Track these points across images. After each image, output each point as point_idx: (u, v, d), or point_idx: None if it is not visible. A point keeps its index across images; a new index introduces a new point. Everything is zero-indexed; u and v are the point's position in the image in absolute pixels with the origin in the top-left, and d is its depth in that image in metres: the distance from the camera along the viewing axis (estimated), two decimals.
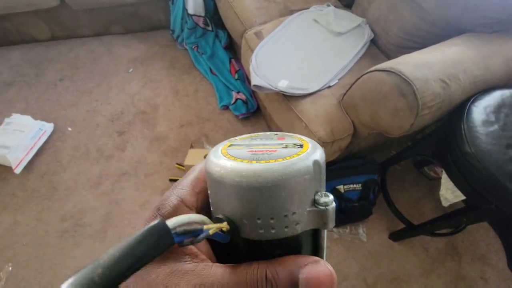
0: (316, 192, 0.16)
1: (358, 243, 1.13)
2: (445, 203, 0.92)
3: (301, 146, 0.17)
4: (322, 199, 0.15)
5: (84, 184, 1.23)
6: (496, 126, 0.77)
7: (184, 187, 0.18)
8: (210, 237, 0.15)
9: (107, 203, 1.18)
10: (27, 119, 1.31)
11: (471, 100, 0.82)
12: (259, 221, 0.15)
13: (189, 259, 0.15)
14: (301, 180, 0.15)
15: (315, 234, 0.17)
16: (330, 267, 0.14)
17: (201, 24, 1.57)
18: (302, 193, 0.15)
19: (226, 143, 0.19)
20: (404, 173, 1.31)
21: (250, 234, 0.15)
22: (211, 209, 0.17)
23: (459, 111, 0.81)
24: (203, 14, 1.54)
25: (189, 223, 0.14)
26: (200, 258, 0.16)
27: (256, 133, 0.21)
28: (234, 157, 0.16)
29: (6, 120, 1.30)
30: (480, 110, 0.80)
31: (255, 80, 0.98)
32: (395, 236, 1.14)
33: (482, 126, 0.77)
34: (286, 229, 0.15)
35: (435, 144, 0.92)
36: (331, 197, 0.16)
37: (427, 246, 1.14)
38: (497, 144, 0.74)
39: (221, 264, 0.15)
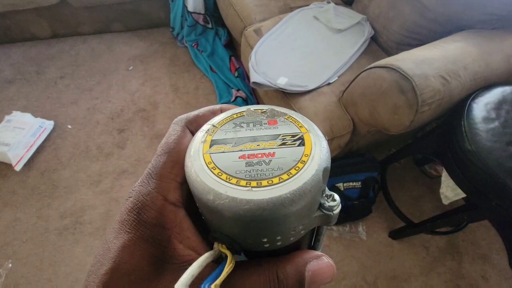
0: (322, 194, 0.15)
1: (357, 241, 1.13)
2: (445, 201, 0.92)
3: (301, 138, 0.15)
4: (328, 204, 0.15)
5: (84, 181, 1.23)
6: (496, 123, 0.76)
7: (164, 179, 0.15)
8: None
9: (107, 201, 1.18)
10: (27, 117, 1.32)
11: (472, 97, 0.81)
12: (264, 240, 0.14)
13: (182, 265, 0.14)
14: (310, 197, 0.13)
15: (317, 229, 0.17)
16: (330, 261, 0.15)
17: (201, 21, 1.57)
18: (310, 207, 0.14)
19: (205, 138, 0.16)
20: (404, 171, 1.30)
21: (255, 248, 0.15)
22: (207, 225, 0.15)
23: (459, 108, 0.81)
24: (203, 12, 1.53)
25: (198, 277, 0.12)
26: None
27: (239, 110, 0.18)
28: (226, 175, 0.13)
29: (7, 117, 1.30)
30: (481, 107, 0.79)
31: (254, 77, 0.98)
32: (395, 235, 1.13)
33: (482, 123, 0.76)
34: (292, 239, 0.15)
35: (435, 142, 0.91)
36: (338, 200, 0.15)
37: (427, 245, 1.13)
38: (498, 141, 0.73)
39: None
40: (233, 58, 1.54)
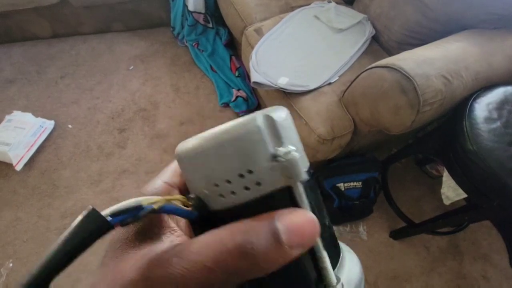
0: (276, 148, 0.14)
1: (358, 241, 1.12)
2: (446, 202, 0.91)
3: None
4: (281, 151, 0.14)
5: (84, 181, 1.23)
6: (498, 123, 0.76)
7: (167, 171, 0.18)
8: (174, 214, 0.15)
9: (108, 200, 1.18)
10: (28, 116, 1.32)
11: (473, 97, 0.81)
12: (217, 188, 0.15)
13: (168, 236, 0.15)
14: (247, 135, 0.14)
15: (290, 195, 0.15)
16: (312, 214, 0.13)
17: (201, 21, 1.57)
18: (253, 148, 0.14)
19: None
20: (405, 171, 1.30)
21: (215, 205, 0.15)
22: None
23: (461, 108, 0.80)
24: (203, 11, 1.53)
25: (125, 205, 0.14)
26: (178, 234, 0.15)
27: None
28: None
29: (7, 117, 1.30)
30: (482, 107, 0.79)
31: (255, 77, 0.98)
32: (396, 235, 1.13)
33: (484, 123, 0.76)
34: (247, 191, 0.14)
35: (436, 142, 0.91)
36: (293, 147, 0.14)
37: (428, 245, 1.13)
38: (500, 142, 0.73)
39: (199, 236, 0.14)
40: (233, 58, 1.54)
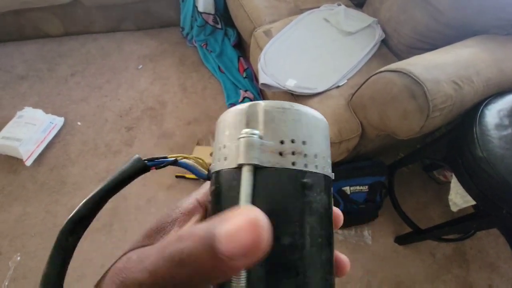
0: (244, 129, 0.15)
1: (363, 245, 1.12)
2: (454, 208, 0.90)
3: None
4: (244, 131, 0.15)
5: (92, 178, 1.25)
6: (509, 130, 0.75)
7: (204, 187, 0.19)
8: (187, 169, 0.19)
9: (114, 198, 1.16)
10: (39, 113, 1.34)
11: (484, 103, 0.80)
12: (214, 154, 0.17)
13: (164, 237, 0.16)
14: (231, 116, 0.16)
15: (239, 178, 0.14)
16: (257, 214, 0.11)
17: (210, 22, 1.58)
18: (234, 123, 0.16)
19: None
20: (412, 176, 1.29)
21: (211, 168, 0.17)
22: None
23: (471, 114, 0.80)
24: (213, 12, 1.54)
25: (156, 156, 0.19)
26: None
27: None
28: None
29: (19, 113, 1.33)
30: (493, 114, 0.78)
31: (263, 78, 0.98)
32: (401, 240, 1.12)
33: (495, 130, 0.75)
34: (219, 162, 0.16)
35: (445, 148, 0.90)
36: (256, 131, 0.14)
37: (433, 252, 1.12)
38: (511, 149, 0.72)
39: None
40: (241, 59, 1.55)
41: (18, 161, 1.26)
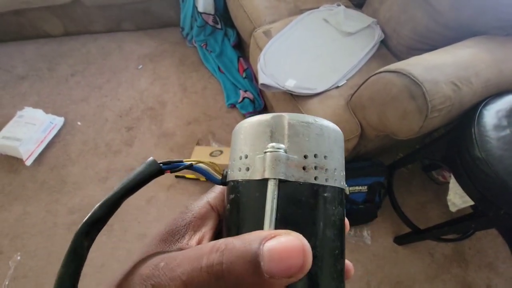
0: (271, 142, 0.15)
1: (362, 245, 1.12)
2: (452, 208, 0.91)
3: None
4: (270, 145, 0.15)
5: (92, 178, 1.25)
6: (508, 131, 0.75)
7: (215, 191, 0.19)
8: (202, 174, 0.18)
9: None
10: (39, 113, 1.34)
11: (483, 104, 0.80)
12: (230, 163, 0.17)
13: (180, 242, 0.16)
14: (260, 125, 0.16)
15: (263, 190, 0.15)
16: (303, 239, 0.12)
17: (210, 22, 1.58)
18: (257, 136, 0.16)
19: None
20: (411, 176, 1.29)
21: (229, 176, 0.17)
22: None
23: (470, 114, 0.80)
24: (212, 12, 1.54)
25: (172, 160, 0.18)
26: (189, 242, 0.16)
27: None
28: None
29: (19, 113, 1.33)
30: (492, 114, 0.78)
31: (262, 79, 0.98)
32: (400, 240, 1.12)
33: (493, 131, 0.75)
34: (239, 172, 0.16)
35: (444, 148, 0.90)
36: (282, 146, 0.15)
37: (432, 252, 1.12)
38: (509, 150, 0.72)
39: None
40: (241, 59, 1.55)
41: (18, 160, 1.26)
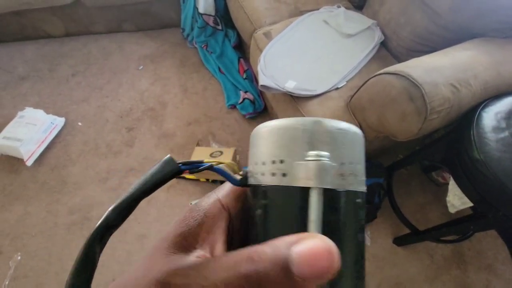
0: (311, 150, 0.15)
1: None
2: (452, 210, 0.91)
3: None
4: (312, 153, 0.14)
5: (92, 178, 1.25)
6: (507, 133, 0.76)
7: (225, 189, 0.19)
8: (222, 175, 0.17)
9: (114, 198, 1.19)
10: (39, 113, 1.35)
11: (482, 105, 0.80)
12: (255, 166, 0.16)
13: (197, 250, 0.15)
14: (294, 129, 0.15)
15: (304, 198, 0.15)
16: (329, 241, 0.12)
17: (211, 23, 1.58)
18: (292, 141, 0.15)
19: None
20: (410, 177, 1.29)
21: (251, 180, 0.17)
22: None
23: (469, 116, 0.80)
24: (213, 13, 1.55)
25: (192, 160, 0.18)
26: (205, 251, 0.16)
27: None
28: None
29: (20, 113, 1.34)
30: (491, 116, 0.78)
31: (262, 80, 0.99)
32: (400, 241, 1.13)
33: (492, 133, 0.76)
34: (272, 177, 0.15)
35: (444, 149, 0.90)
36: (326, 153, 0.14)
37: (432, 253, 1.13)
38: (507, 151, 0.73)
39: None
40: (242, 60, 1.55)
41: (19, 161, 1.26)
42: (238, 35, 1.58)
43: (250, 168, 0.17)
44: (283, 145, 0.16)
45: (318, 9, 1.22)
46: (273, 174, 0.15)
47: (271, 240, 0.13)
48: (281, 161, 0.15)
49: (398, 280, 1.06)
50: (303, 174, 0.14)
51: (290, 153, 0.15)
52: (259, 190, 0.16)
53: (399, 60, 1.08)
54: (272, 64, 1.03)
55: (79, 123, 1.41)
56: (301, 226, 0.14)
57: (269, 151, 0.16)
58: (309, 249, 0.12)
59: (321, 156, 0.14)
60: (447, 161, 0.87)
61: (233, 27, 1.55)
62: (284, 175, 0.15)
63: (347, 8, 1.23)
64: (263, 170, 0.16)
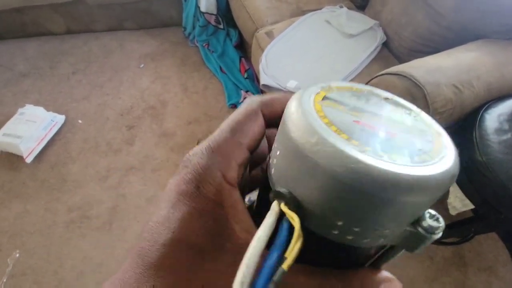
0: (424, 211, 0.12)
1: None
2: (453, 212, 0.91)
3: (431, 137, 0.13)
4: (428, 223, 0.11)
5: (92, 176, 1.25)
6: (509, 135, 0.75)
7: (225, 157, 0.14)
8: None
9: (114, 197, 1.19)
10: (40, 110, 1.34)
11: (484, 107, 0.80)
12: (339, 223, 0.11)
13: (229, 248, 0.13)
14: (427, 196, 0.11)
15: (388, 251, 0.13)
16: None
17: (212, 22, 1.58)
18: (416, 209, 0.11)
19: (318, 89, 0.14)
20: None
21: (318, 230, 0.12)
22: (270, 173, 0.13)
23: (471, 118, 0.80)
24: (215, 12, 1.54)
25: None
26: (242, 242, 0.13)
27: (357, 86, 0.15)
28: (337, 128, 0.11)
29: (20, 110, 1.33)
30: (493, 118, 0.78)
31: (264, 79, 0.98)
32: None
33: (494, 135, 0.75)
34: (365, 240, 0.12)
35: None
36: (442, 223, 0.12)
37: (432, 254, 1.12)
38: (510, 154, 0.72)
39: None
40: (243, 59, 1.55)
41: (19, 158, 1.26)
42: (240, 34, 1.58)
43: (313, 213, 0.12)
44: (399, 215, 0.12)
45: (320, 9, 1.22)
46: (367, 239, 0.12)
47: (357, 271, 0.13)
48: (386, 229, 0.12)
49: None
50: (408, 241, 0.13)
51: (402, 223, 0.12)
52: (338, 246, 0.12)
53: (401, 60, 1.07)
54: (273, 63, 1.03)
55: (79, 121, 1.41)
56: None
57: (375, 218, 0.12)
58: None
59: (440, 228, 0.12)
60: None
61: (234, 26, 1.54)
62: (382, 238, 0.12)
63: (349, 8, 1.23)
64: (352, 233, 0.12)
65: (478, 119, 0.78)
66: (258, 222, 0.12)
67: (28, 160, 1.25)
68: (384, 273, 0.13)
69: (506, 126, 0.77)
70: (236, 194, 0.14)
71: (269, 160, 0.14)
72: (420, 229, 0.12)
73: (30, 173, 1.25)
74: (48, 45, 1.69)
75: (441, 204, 1.20)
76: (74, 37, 1.74)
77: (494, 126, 0.76)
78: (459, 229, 0.93)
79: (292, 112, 0.12)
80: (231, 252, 0.12)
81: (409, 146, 0.12)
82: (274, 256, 0.10)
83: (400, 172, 0.10)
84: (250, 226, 0.13)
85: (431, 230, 0.11)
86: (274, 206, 0.12)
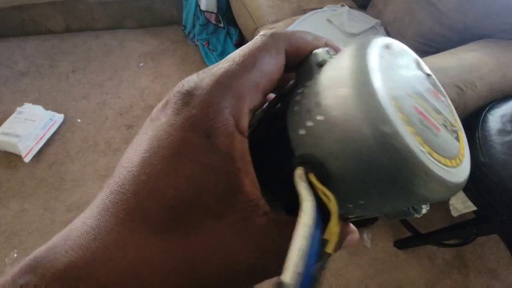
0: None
1: (362, 249, 1.11)
2: (455, 213, 0.90)
3: (456, 133, 0.13)
4: (423, 211, 0.14)
5: (91, 175, 1.24)
6: None
7: (236, 97, 0.12)
8: None
9: None
10: (38, 109, 1.33)
11: (487, 108, 0.79)
12: (361, 202, 0.12)
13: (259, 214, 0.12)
14: (443, 193, 0.11)
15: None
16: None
17: (213, 20, 1.57)
18: (424, 202, 0.14)
19: (382, 51, 0.13)
20: None
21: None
22: (295, 130, 0.12)
23: (474, 119, 0.79)
24: (215, 11, 1.54)
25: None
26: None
27: (409, 50, 0.15)
28: (407, 119, 0.10)
29: (18, 109, 1.32)
30: (496, 119, 0.77)
31: None
32: (401, 244, 1.11)
33: (497, 135, 0.74)
34: (367, 214, 0.13)
35: None
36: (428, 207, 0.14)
37: (433, 256, 1.11)
38: None
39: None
40: None
41: (17, 157, 1.25)
42: (240, 33, 1.57)
43: (337, 182, 0.12)
44: (411, 202, 0.14)
45: (321, 7, 1.21)
46: (373, 211, 0.14)
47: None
48: (389, 210, 0.14)
49: (399, 283, 1.05)
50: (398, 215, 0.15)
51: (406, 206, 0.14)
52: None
53: None
54: None
55: (78, 120, 1.40)
56: None
57: (391, 201, 0.12)
58: (350, 240, 0.15)
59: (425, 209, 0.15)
60: None
61: (235, 25, 1.53)
62: (384, 214, 0.15)
63: (350, 7, 1.22)
64: (361, 206, 0.13)
65: (481, 120, 0.77)
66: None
67: (27, 159, 1.24)
68: (352, 226, 0.15)
69: (509, 127, 0.75)
70: (246, 145, 0.12)
71: (291, 113, 0.12)
72: (411, 210, 0.13)
73: (29, 172, 1.24)
74: (48, 43, 1.69)
75: (442, 206, 1.19)
76: (74, 35, 1.73)
77: (497, 127, 0.75)
78: (460, 231, 0.92)
79: (360, 83, 0.10)
80: (238, 210, 0.11)
81: (448, 146, 0.12)
82: (316, 239, 0.10)
83: (446, 179, 0.10)
84: (254, 177, 0.12)
85: (419, 211, 0.13)
86: (301, 175, 0.11)
